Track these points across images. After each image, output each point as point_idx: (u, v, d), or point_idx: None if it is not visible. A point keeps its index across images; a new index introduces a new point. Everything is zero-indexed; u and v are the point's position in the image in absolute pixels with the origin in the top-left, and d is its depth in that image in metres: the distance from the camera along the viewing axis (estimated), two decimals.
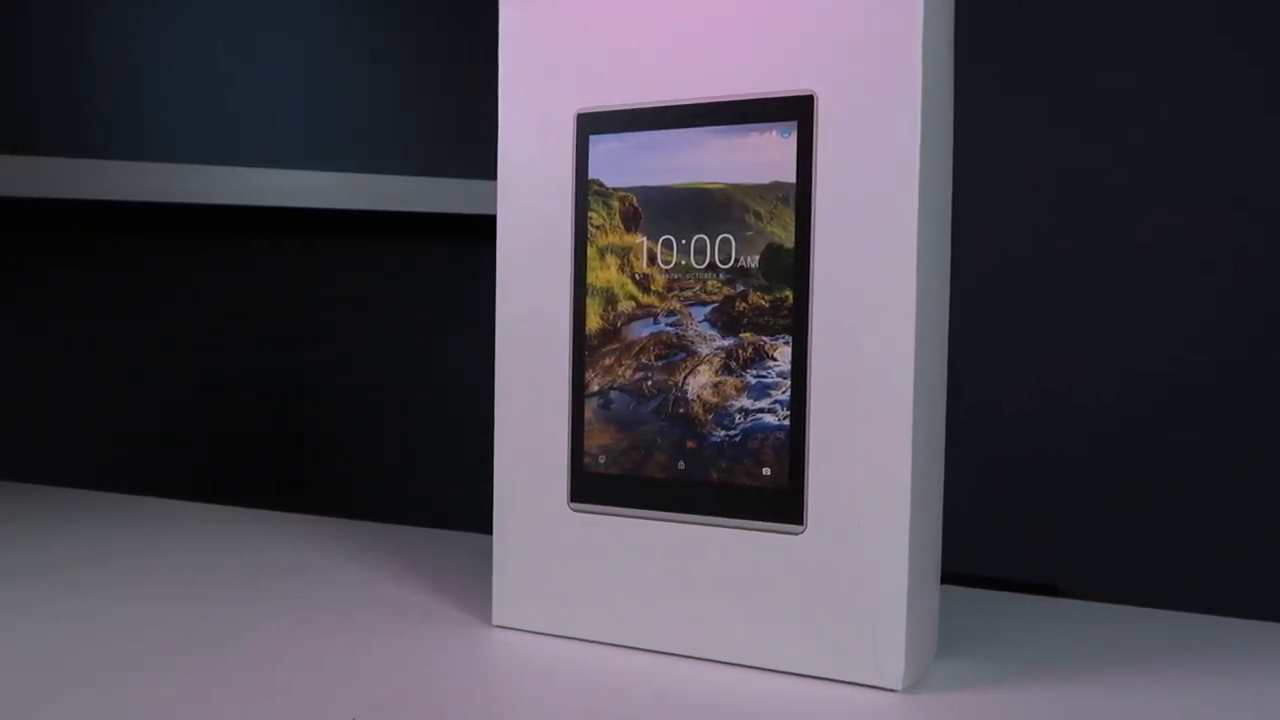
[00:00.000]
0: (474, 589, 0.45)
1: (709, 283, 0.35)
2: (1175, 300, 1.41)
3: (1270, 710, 0.32)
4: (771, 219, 0.34)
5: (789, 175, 0.34)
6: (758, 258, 0.34)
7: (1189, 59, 1.38)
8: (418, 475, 1.42)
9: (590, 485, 0.37)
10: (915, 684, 0.34)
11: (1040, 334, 1.48)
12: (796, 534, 0.34)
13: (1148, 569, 1.43)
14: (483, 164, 1.45)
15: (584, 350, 0.37)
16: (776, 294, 0.34)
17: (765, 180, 0.34)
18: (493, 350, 1.49)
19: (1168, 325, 1.41)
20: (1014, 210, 1.49)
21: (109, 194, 0.99)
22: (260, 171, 1.09)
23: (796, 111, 0.34)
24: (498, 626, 0.39)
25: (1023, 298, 1.49)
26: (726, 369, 0.35)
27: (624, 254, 0.36)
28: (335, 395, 1.33)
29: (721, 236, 0.35)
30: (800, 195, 0.34)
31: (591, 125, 0.37)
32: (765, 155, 0.34)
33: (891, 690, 0.33)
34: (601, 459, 0.37)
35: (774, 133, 0.34)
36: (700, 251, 0.35)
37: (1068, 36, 1.45)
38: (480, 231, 1.47)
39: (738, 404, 0.35)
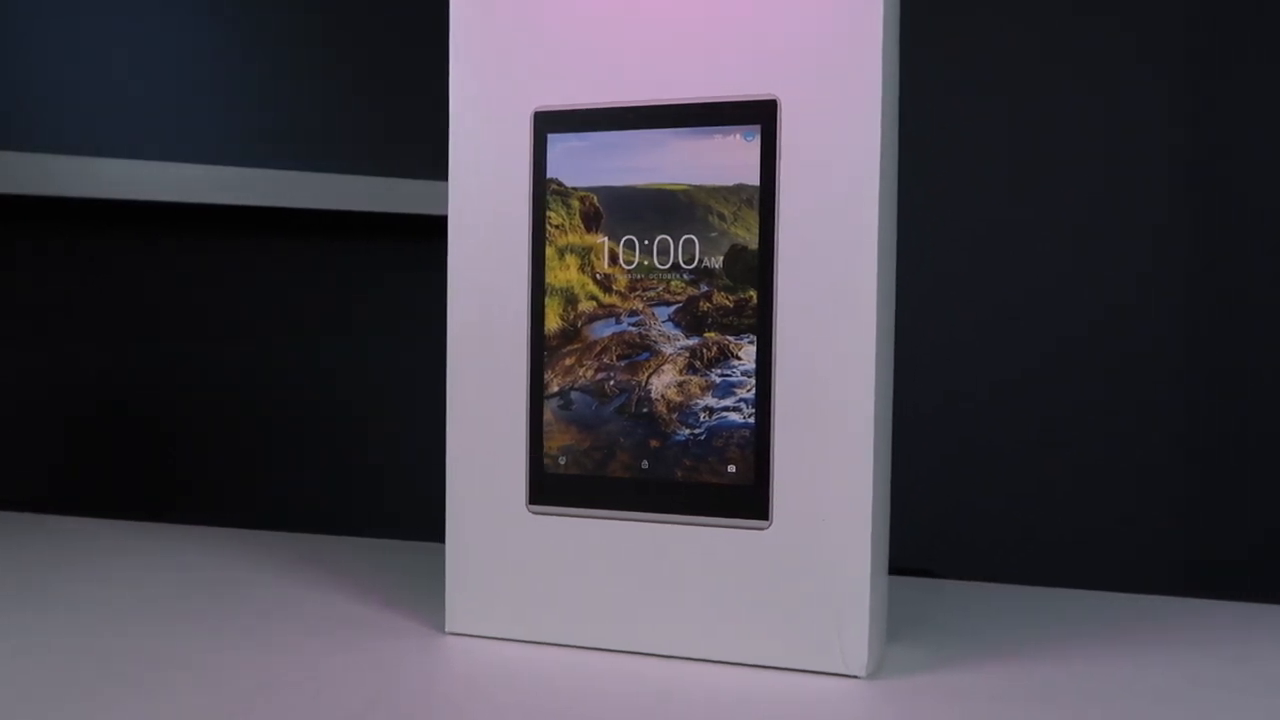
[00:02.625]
0: (419, 597, 0.43)
1: (672, 283, 0.35)
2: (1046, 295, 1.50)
3: (1197, 677, 0.35)
4: (735, 220, 0.35)
5: (753, 178, 0.34)
6: (722, 258, 0.35)
7: (1139, 57, 1.46)
8: (346, 484, 1.37)
9: (550, 487, 0.37)
10: (876, 670, 0.35)
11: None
12: (762, 529, 0.35)
13: (1014, 550, 1.51)
14: (415, 162, 1.41)
15: (543, 351, 0.37)
16: (741, 294, 0.35)
17: (729, 182, 0.35)
18: (430, 354, 1.44)
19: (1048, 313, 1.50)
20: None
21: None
22: (205, 168, 1.05)
23: (760, 116, 0.34)
24: (451, 634, 0.39)
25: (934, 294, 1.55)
26: (691, 368, 0.35)
27: (584, 254, 0.36)
28: (273, 399, 1.27)
29: (685, 237, 0.35)
30: (764, 197, 0.34)
31: (550, 124, 0.36)
32: (729, 158, 0.35)
33: (855, 677, 0.34)
34: (562, 460, 0.37)
35: (737, 136, 0.35)
36: (663, 252, 0.35)
37: (1014, 35, 1.52)
38: (419, 232, 1.42)
39: (703, 403, 0.35)
